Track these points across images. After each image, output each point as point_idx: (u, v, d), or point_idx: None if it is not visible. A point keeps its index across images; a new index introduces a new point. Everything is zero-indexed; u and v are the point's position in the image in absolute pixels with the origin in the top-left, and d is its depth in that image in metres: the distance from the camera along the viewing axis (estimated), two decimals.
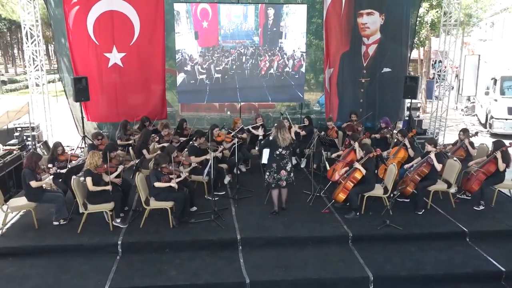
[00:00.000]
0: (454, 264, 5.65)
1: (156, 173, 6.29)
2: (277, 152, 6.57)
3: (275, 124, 6.75)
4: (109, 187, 6.11)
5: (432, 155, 6.84)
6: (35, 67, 10.19)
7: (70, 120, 11.05)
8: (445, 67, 11.75)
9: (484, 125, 15.12)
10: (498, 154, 6.90)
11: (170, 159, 6.50)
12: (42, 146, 9.61)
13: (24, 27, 9.94)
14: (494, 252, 5.88)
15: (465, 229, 6.34)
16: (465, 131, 7.91)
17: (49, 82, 10.81)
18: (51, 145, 10.21)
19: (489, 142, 13.31)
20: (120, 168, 6.42)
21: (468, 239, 6.24)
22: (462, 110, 18.61)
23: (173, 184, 6.26)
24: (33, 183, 6.04)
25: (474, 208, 7.03)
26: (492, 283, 5.45)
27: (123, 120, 9.06)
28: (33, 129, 9.41)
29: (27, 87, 29.00)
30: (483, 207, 7.02)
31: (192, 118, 12.04)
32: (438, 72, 11.89)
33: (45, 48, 10.72)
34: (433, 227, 6.45)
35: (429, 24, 14.95)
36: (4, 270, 5.46)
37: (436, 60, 20.43)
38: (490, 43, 19.27)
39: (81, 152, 10.01)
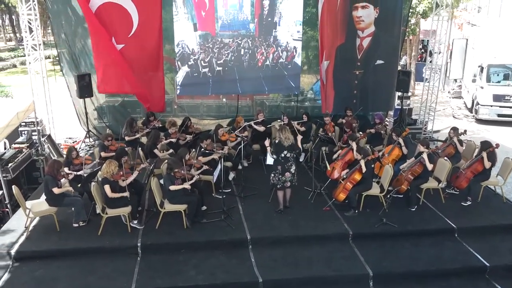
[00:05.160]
0: (444, 260, 6.26)
1: (170, 177, 6.68)
2: (282, 155, 7.00)
3: (277, 128, 7.20)
4: (126, 194, 6.50)
5: (425, 156, 7.36)
6: (34, 59, 10.26)
7: (70, 104, 11.15)
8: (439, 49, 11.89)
9: (470, 110, 15.72)
10: (484, 154, 7.45)
11: (182, 163, 6.87)
12: (46, 141, 9.79)
13: (23, 21, 9.94)
14: (479, 248, 6.49)
15: (453, 226, 6.94)
16: (454, 129, 8.42)
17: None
18: (54, 138, 10.46)
19: (475, 128, 13.83)
20: (135, 174, 6.79)
21: (456, 235, 6.85)
22: (449, 92, 19.13)
23: (186, 186, 6.69)
24: (56, 190, 6.39)
25: (462, 203, 7.63)
26: (478, 277, 6.09)
27: (128, 118, 9.32)
28: (37, 123, 9.59)
29: (14, 66, 28.36)
30: (470, 202, 7.62)
31: (188, 106, 12.31)
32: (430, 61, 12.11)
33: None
34: (425, 224, 7.04)
35: (421, 14, 15.22)
36: (33, 272, 5.86)
37: (423, 40, 20.72)
38: (477, 28, 19.61)
39: (85, 146, 10.30)
